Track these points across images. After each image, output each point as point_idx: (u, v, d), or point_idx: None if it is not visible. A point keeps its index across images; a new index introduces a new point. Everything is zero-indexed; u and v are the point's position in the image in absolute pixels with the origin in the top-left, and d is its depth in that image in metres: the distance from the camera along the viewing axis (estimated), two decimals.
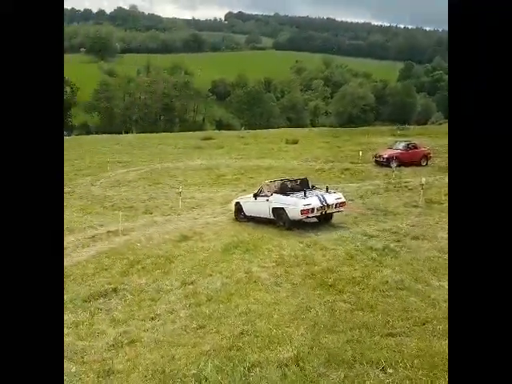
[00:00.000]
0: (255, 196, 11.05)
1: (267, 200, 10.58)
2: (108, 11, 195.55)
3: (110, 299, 6.53)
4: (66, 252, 9.41)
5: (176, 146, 34.94)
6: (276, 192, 10.68)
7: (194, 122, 74.01)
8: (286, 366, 4.19)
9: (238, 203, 11.86)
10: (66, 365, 4.42)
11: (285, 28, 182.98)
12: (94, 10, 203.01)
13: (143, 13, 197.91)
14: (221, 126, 70.05)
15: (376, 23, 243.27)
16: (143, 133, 58.86)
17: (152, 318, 5.71)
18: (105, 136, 51.25)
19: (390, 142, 26.38)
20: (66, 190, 18.64)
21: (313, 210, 9.82)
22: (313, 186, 11.07)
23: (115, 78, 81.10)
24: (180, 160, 26.87)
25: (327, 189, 10.72)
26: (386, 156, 21.05)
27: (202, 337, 5.04)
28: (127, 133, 62.05)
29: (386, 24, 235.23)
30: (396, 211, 11.87)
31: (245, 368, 4.13)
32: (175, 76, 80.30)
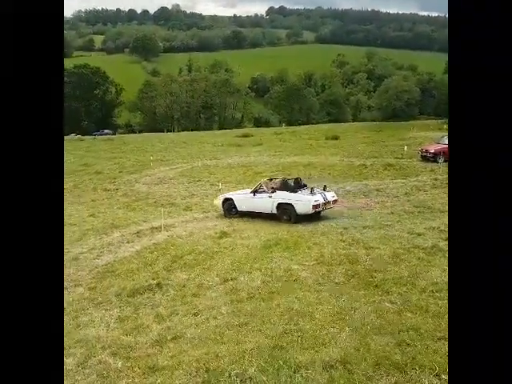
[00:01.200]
0: (254, 192, 11.69)
1: (270, 196, 11.28)
2: (152, 11, 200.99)
3: (153, 294, 6.65)
4: (111, 248, 9.77)
5: (215, 144, 35.37)
6: (279, 189, 11.35)
7: (232, 119, 74.73)
8: (333, 368, 4.04)
9: (228, 199, 12.26)
10: (111, 360, 4.54)
11: (327, 21, 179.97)
12: (139, 11, 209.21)
13: (185, 12, 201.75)
14: (259, 122, 70.17)
15: (423, 14, 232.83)
16: (184, 131, 60.12)
17: (195, 314, 5.74)
18: (148, 134, 52.84)
19: (436, 136, 25.18)
20: (111, 187, 19.43)
21: (319, 205, 10.91)
22: (304, 185, 11.83)
23: (158, 77, 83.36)
24: (219, 157, 27.16)
25: (325, 187, 11.74)
26: (432, 151, 20.11)
27: (245, 335, 4.99)
28: (169, 131, 63.70)
29: (434, 14, 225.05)
30: (444, 209, 11.27)
31: (290, 369, 4.03)
32: (215, 74, 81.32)
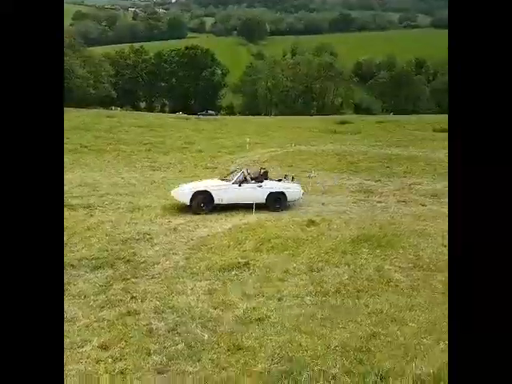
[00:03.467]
0: (239, 183, 11.28)
1: (260, 186, 11.41)
2: None
3: (241, 272, 6.83)
4: (206, 223, 10.26)
5: (311, 130, 34.82)
6: (265, 179, 11.73)
7: (332, 104, 72.73)
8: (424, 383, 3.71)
9: (203, 191, 11.02)
10: (199, 331, 4.76)
11: (445, 4, 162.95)
12: None
13: None
14: (360, 109, 67.25)
15: None
16: (282, 115, 60.34)
17: (279, 299, 5.76)
18: (247, 117, 54.15)
19: None
20: (210, 165, 20.39)
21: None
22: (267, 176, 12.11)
23: (262, 60, 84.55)
24: (313, 144, 26.70)
25: (293, 178, 12.64)
26: None
27: (329, 330, 4.84)
28: (266, 115, 64.57)
29: None
30: None
31: (377, 375, 3.80)
32: (319, 57, 79.58)
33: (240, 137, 30.92)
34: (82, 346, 4.33)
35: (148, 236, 8.99)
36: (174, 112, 63.39)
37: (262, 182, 11.48)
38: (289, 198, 11.59)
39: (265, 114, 67.01)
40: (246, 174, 11.57)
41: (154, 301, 5.66)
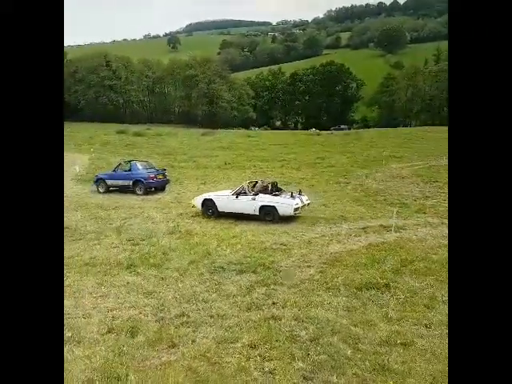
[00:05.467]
0: (236, 195, 12.39)
1: (253, 199, 12.16)
2: (401, 1, 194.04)
3: (381, 293, 6.59)
4: (339, 238, 10.22)
5: None
6: (260, 192, 12.35)
7: None
8: None
9: (209, 199, 12.77)
10: (341, 345, 4.78)
11: None
12: (388, 2, 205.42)
13: None
14: None
15: None
16: (424, 125, 56.11)
17: (426, 326, 5.38)
18: (382, 129, 51.98)
19: None
20: (342, 180, 20.20)
21: (299, 208, 12.10)
22: (280, 189, 12.89)
23: (401, 70, 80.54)
24: None
25: (300, 192, 12.74)
26: None
27: None
28: (405, 126, 60.80)
29: None
30: None
31: None
32: None
33: (375, 150, 29.88)
34: (234, 342, 4.80)
35: (284, 247, 9.43)
36: (307, 129, 64.90)
37: (257, 195, 12.32)
38: (280, 212, 12.02)
39: (403, 126, 63.14)
40: (245, 186, 12.66)
41: (294, 309, 5.90)
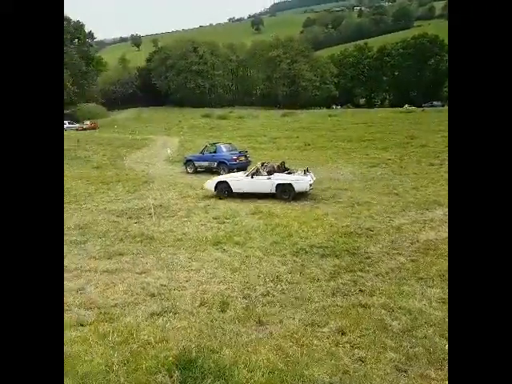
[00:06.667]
0: (252, 175, 13.01)
1: (269, 178, 12.80)
2: None
3: None
4: (432, 225, 9.48)
5: None
6: (275, 171, 13.06)
7: None
8: None
9: (222, 182, 13.32)
10: (437, 339, 4.45)
11: None
12: None
13: None
14: None
15: None
16: None
17: None
18: None
19: None
20: (435, 161, 18.66)
21: (311, 184, 12.86)
22: (288, 168, 13.68)
23: None
24: None
25: (307, 169, 13.44)
26: None
27: None
28: None
29: None
30: None
31: None
32: None
33: None
34: (321, 327, 4.76)
35: (371, 232, 9.04)
36: (394, 106, 61.05)
37: (272, 174, 12.81)
38: (296, 188, 12.57)
39: None
40: (259, 167, 13.22)
41: (384, 298, 5.65)
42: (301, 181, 12.72)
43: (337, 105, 71.26)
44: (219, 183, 13.40)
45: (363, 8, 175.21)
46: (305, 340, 4.39)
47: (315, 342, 4.34)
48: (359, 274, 6.65)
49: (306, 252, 7.70)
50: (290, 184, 12.66)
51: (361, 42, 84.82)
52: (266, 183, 12.83)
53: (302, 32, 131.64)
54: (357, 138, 29.71)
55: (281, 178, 12.87)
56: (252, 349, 4.18)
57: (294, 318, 5.00)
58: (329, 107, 67.42)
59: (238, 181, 13.26)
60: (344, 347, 4.25)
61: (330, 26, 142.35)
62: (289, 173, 13.21)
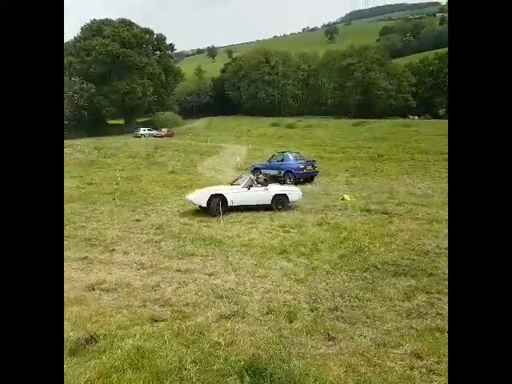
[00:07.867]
0: (248, 187, 12.50)
1: (266, 189, 12.67)
2: None
3: None
4: None
5: None
6: (260, 182, 13.00)
7: None
8: None
9: (219, 195, 12.01)
10: None
11: None
12: None
13: None
14: None
15: None
16: None
17: None
18: None
19: None
20: None
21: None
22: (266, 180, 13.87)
23: None
24: None
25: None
26: None
27: None
28: None
29: None
30: None
31: None
32: None
33: None
34: (395, 348, 4.50)
35: None
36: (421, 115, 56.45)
37: (267, 185, 12.86)
38: (290, 199, 12.80)
39: None
40: (253, 178, 13.04)
41: None
42: (294, 191, 13.05)
43: (414, 115, 67.87)
44: (213, 197, 11.87)
45: (445, 15, 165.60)
46: (377, 360, 4.17)
47: (388, 363, 4.11)
48: (437, 296, 6.20)
49: (378, 269, 7.38)
50: (284, 194, 12.77)
51: (442, 50, 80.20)
52: (263, 194, 12.59)
53: (378, 40, 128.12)
54: (436, 150, 28.02)
55: (277, 188, 13.01)
56: (322, 363, 4.07)
57: (365, 336, 4.78)
58: (405, 117, 64.40)
59: (234, 193, 12.24)
60: (420, 372, 3.97)
61: (408, 35, 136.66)
62: (283, 183, 14.03)
